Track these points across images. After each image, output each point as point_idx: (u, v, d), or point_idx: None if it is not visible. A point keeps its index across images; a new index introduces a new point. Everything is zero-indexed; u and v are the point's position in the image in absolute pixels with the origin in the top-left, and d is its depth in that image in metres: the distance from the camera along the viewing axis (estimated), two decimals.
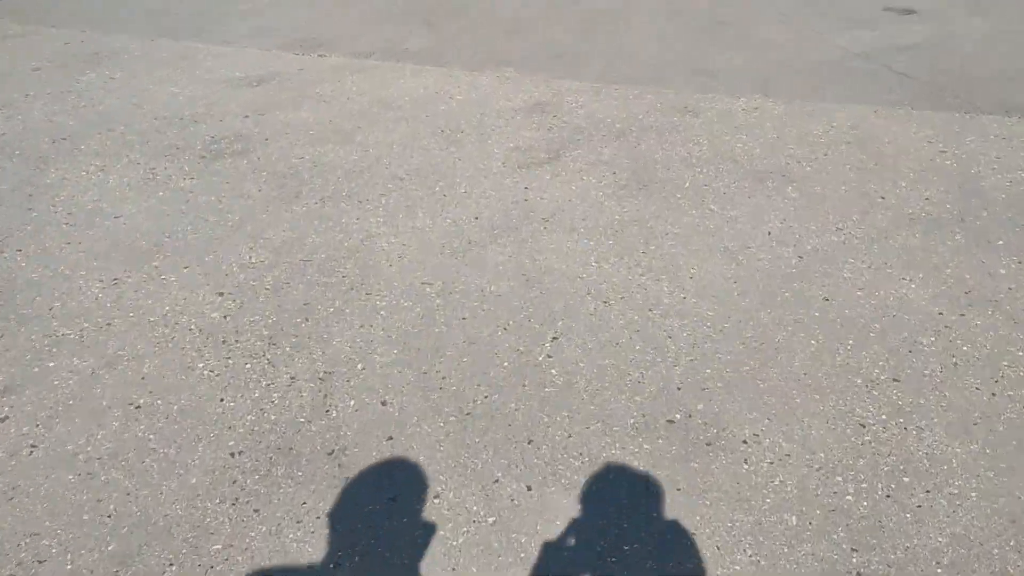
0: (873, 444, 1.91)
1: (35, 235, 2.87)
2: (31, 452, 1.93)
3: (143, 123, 3.81)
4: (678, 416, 2.01)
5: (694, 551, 1.66)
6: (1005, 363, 2.16)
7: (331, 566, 1.64)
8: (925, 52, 4.59)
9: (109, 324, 2.38)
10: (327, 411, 2.04)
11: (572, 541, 1.68)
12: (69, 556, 1.67)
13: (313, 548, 1.67)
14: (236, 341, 2.30)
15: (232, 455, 1.91)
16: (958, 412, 2.00)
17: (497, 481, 1.83)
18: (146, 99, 4.10)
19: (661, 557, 1.64)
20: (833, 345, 2.25)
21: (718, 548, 1.67)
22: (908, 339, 2.26)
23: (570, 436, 1.95)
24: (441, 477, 1.84)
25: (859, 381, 2.11)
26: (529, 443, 1.93)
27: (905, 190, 3.07)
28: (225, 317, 2.40)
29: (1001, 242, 2.71)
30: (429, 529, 1.72)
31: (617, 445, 1.92)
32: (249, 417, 2.03)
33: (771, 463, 1.87)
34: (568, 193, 3.12)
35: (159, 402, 2.08)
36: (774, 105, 3.89)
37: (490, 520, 1.74)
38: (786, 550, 1.66)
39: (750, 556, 1.65)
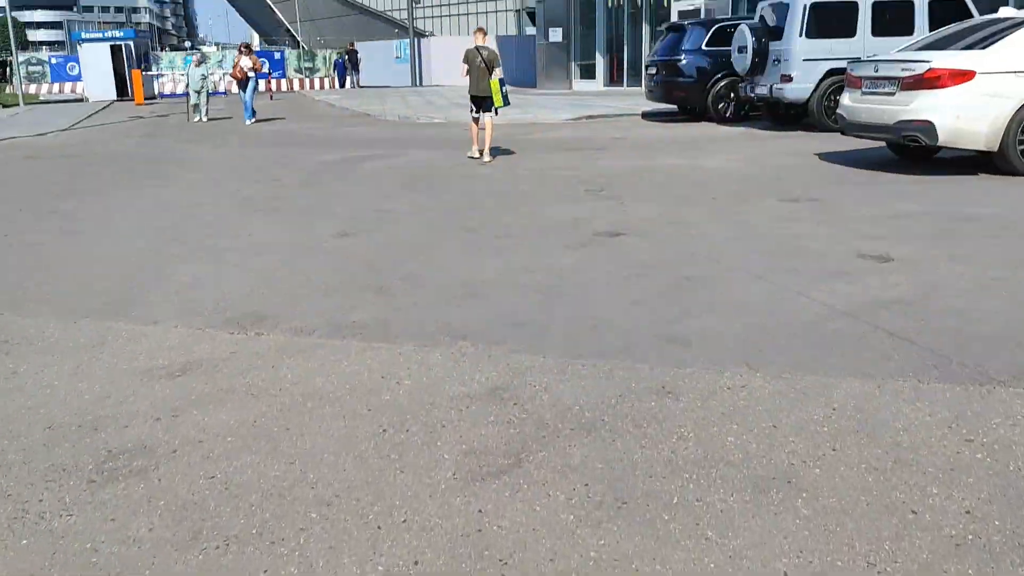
0: None
1: None
2: None
3: (33, 434, 3.24)
4: None
5: None
6: None
7: None
8: (914, 308, 4.25)
9: None
10: None
11: None
12: None
13: None
14: None
15: None
16: None
17: None
18: (46, 400, 3.57)
19: None
20: None
21: None
22: None
23: None
24: None
25: None
26: None
27: (939, 500, 2.53)
28: None
29: None
30: None
31: None
32: None
33: None
34: (532, 518, 2.54)
35: None
36: (763, 382, 3.44)
37: None
38: None
39: None
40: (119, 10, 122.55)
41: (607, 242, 6.07)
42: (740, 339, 3.93)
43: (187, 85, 19.85)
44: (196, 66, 19.78)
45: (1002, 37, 8.21)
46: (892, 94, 8.52)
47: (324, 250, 6.10)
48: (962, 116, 7.99)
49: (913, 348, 3.71)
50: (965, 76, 7.95)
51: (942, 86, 8.04)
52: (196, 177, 10.60)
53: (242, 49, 19.38)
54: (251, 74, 18.24)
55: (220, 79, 28.15)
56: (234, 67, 18.42)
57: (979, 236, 5.79)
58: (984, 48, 8.23)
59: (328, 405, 3.40)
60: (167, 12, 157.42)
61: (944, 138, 8.12)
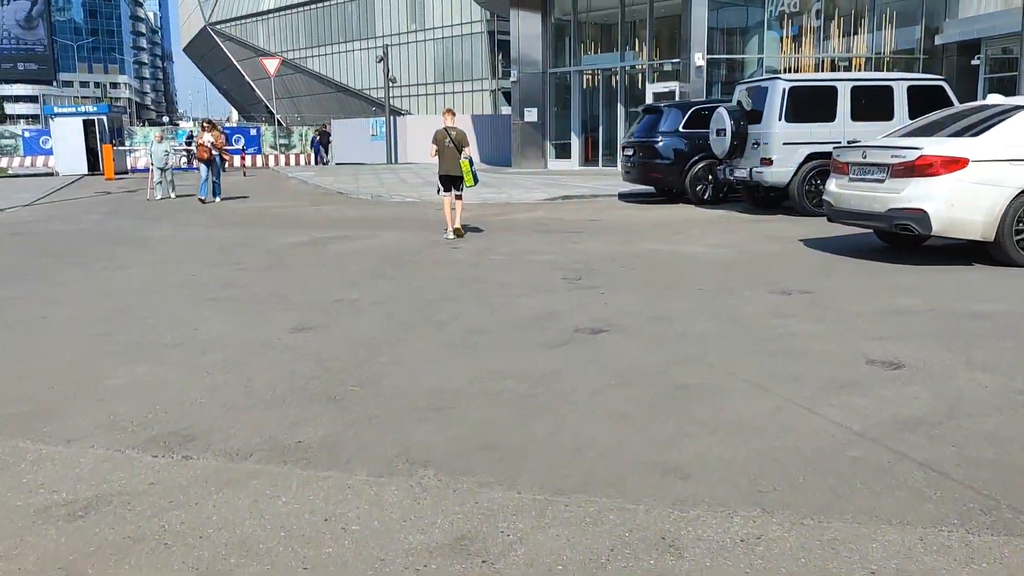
0: None
1: None
2: None
3: None
4: None
5: None
6: None
7: None
8: (941, 431, 3.73)
9: None
10: None
11: None
12: None
13: None
14: None
15: None
16: None
17: None
18: None
19: None
20: None
21: None
22: None
23: None
24: None
25: None
26: None
27: None
28: None
29: None
30: None
31: None
32: None
33: None
34: None
35: None
36: (782, 531, 2.87)
37: None
38: None
39: None
40: (98, 85, 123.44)
41: (588, 341, 5.55)
42: (748, 470, 3.38)
43: (151, 162, 19.25)
44: (159, 142, 19.31)
45: (993, 124, 7.96)
46: (881, 181, 8.20)
47: (276, 348, 5.51)
48: (956, 205, 7.66)
49: (951, 485, 3.17)
50: (958, 164, 7.65)
51: (934, 174, 7.73)
52: (152, 259, 10.03)
53: (204, 125, 18.67)
54: (214, 152, 17.67)
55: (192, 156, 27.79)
56: (199, 147, 17.73)
57: (991, 338, 5.33)
58: (975, 135, 7.97)
59: (256, 561, 2.78)
60: (147, 88, 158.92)
61: (938, 227, 7.77)
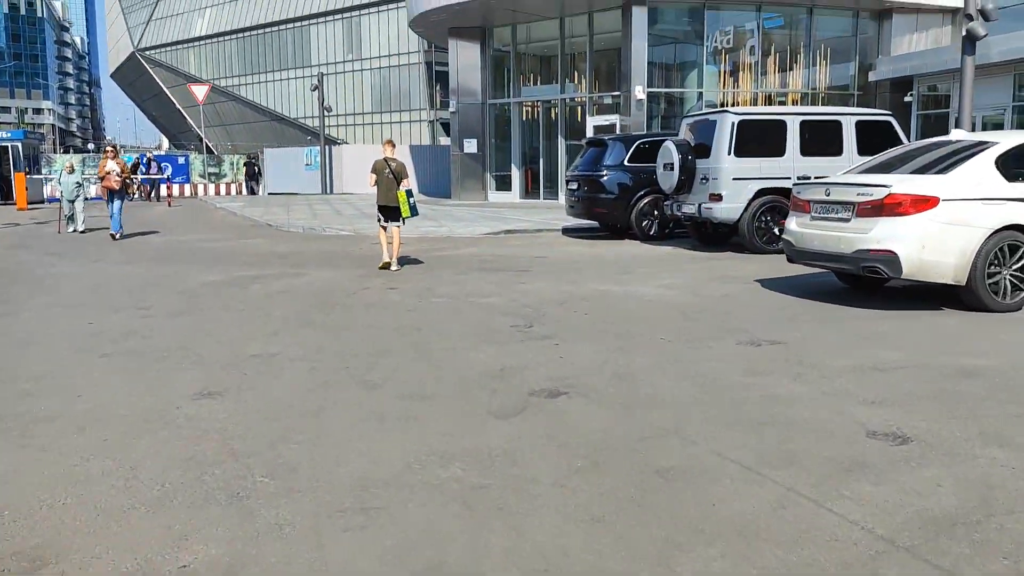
0: None
1: None
2: None
3: None
4: None
5: None
6: None
7: None
8: (984, 533, 3.06)
9: None
10: None
11: None
12: None
13: None
14: None
15: None
16: None
17: None
18: None
19: None
20: None
21: None
22: None
23: None
24: None
25: None
26: None
27: None
28: None
29: None
30: None
31: None
32: None
33: None
34: None
35: None
36: None
37: None
38: None
39: None
40: (20, 111, 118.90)
41: (546, 407, 4.79)
42: None
43: (61, 194, 17.75)
44: (69, 173, 17.92)
45: (961, 162, 7.55)
46: (847, 220, 7.70)
47: (172, 422, 4.61)
48: (928, 247, 7.19)
49: None
50: (928, 203, 7.19)
51: (903, 213, 7.25)
52: (47, 301, 8.94)
53: (107, 151, 16.84)
54: (124, 181, 16.16)
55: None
56: (105, 176, 15.79)
57: (994, 402, 4.75)
58: (943, 173, 7.54)
59: None
60: (72, 113, 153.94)
61: (908, 270, 7.28)
